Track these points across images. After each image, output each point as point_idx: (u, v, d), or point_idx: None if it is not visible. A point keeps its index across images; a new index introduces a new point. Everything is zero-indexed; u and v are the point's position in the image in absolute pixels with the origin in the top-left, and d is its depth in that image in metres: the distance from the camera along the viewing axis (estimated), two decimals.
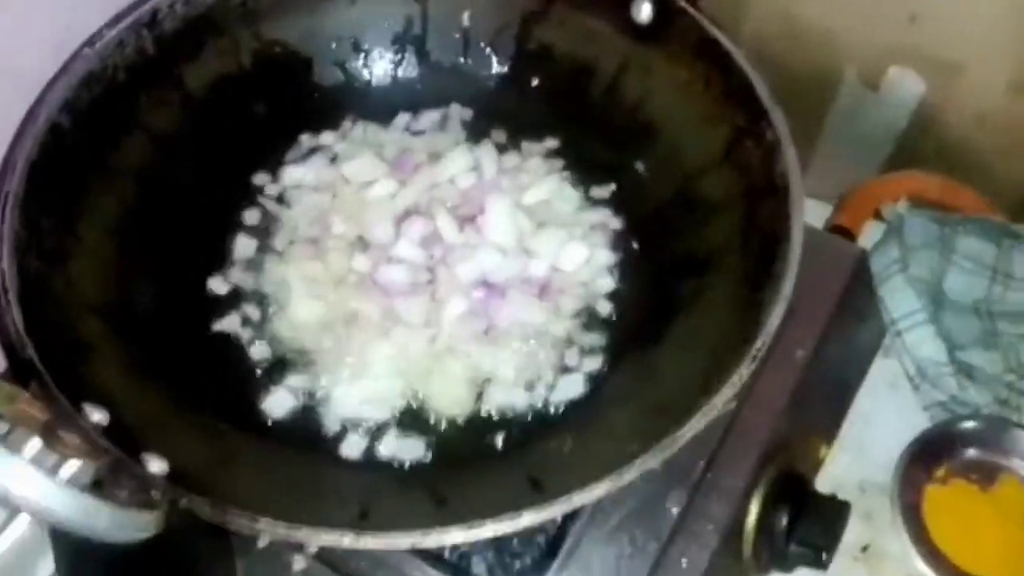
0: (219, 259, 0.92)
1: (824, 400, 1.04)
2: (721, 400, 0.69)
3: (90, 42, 0.85)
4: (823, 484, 1.04)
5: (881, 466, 1.12)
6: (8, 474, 0.57)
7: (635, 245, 0.93)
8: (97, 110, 0.85)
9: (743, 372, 0.70)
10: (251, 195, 0.96)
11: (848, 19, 1.24)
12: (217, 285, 0.91)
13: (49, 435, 0.68)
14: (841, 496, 1.16)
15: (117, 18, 0.88)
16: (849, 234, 1.11)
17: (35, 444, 0.69)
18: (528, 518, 0.66)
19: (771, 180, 0.81)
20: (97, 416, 0.70)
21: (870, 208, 1.15)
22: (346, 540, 0.65)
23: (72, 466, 0.69)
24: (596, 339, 0.87)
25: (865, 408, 1.12)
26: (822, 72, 1.33)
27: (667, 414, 0.74)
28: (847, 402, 1.09)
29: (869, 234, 1.17)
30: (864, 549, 1.06)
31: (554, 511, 0.67)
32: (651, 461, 0.68)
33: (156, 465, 0.68)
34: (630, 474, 0.67)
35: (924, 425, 1.07)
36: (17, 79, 0.87)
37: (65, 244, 0.81)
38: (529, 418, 0.84)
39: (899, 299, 1.09)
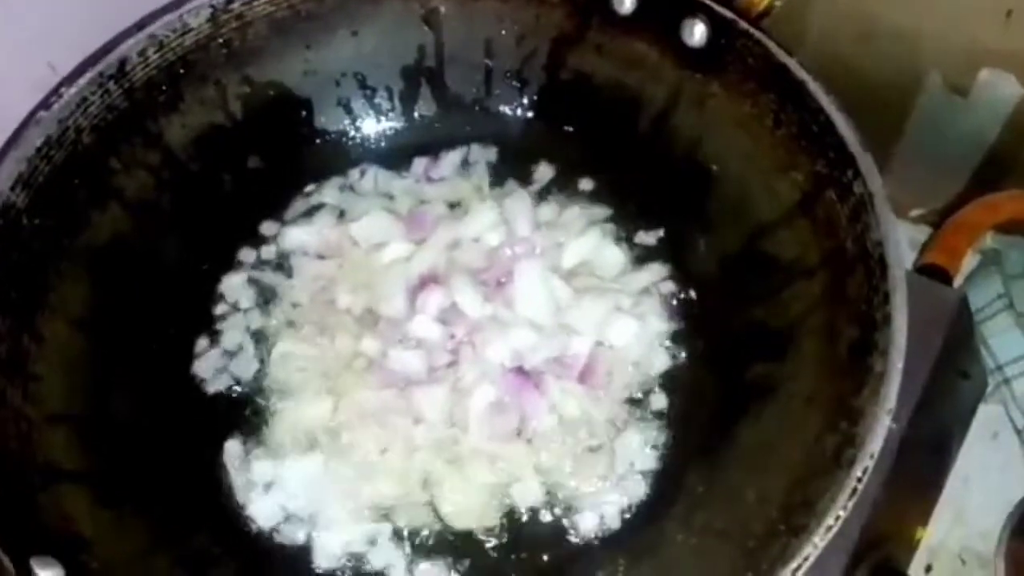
0: (207, 346, 0.79)
1: (921, 476, 0.89)
2: (813, 545, 0.55)
3: (45, 104, 0.73)
4: (918, 556, 0.90)
5: (983, 532, 0.99)
6: None
7: (694, 312, 0.78)
8: (59, 182, 0.73)
9: (839, 511, 0.56)
10: (245, 266, 0.83)
11: (933, 17, 1.08)
12: (205, 380, 0.78)
13: None
14: (938, 568, 1.03)
15: (78, 72, 0.75)
16: (944, 273, 0.95)
17: None
18: None
19: (862, 246, 0.66)
20: (48, 574, 0.58)
21: (967, 241, 0.98)
22: None
23: None
24: (651, 436, 0.74)
25: (964, 463, 0.98)
26: (901, 76, 1.17)
27: (741, 547, 0.61)
28: (945, 472, 0.94)
29: (966, 266, 1.01)
30: None
31: None
32: None
33: None
34: None
35: None
36: None
37: (22, 345, 0.69)
38: (573, 536, 0.70)
39: (1005, 341, 0.96)
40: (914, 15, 1.08)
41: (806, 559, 0.55)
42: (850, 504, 0.56)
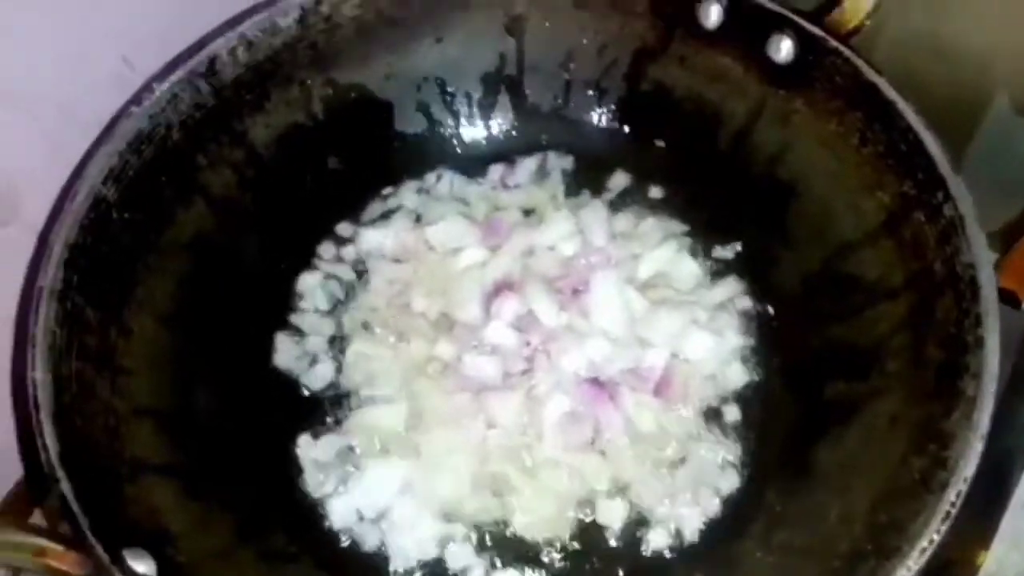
0: (284, 345, 0.80)
1: (985, 500, 0.88)
2: (907, 568, 0.55)
3: (136, 99, 0.74)
4: None
5: None
6: None
7: (773, 328, 0.78)
8: (147, 177, 0.74)
9: (932, 534, 0.55)
10: (322, 266, 0.84)
11: (1004, 40, 1.07)
12: (283, 378, 0.79)
13: None
14: None
15: (169, 68, 0.76)
16: (1013, 297, 0.94)
17: None
18: None
19: (951, 269, 0.66)
20: (142, 568, 0.59)
21: None
22: None
23: None
24: (728, 451, 0.73)
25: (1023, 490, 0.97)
26: (969, 95, 1.15)
27: (824, 566, 0.61)
28: (1007, 497, 0.93)
29: None
30: None
31: None
32: None
33: None
34: None
35: None
36: (72, 115, 0.77)
37: (110, 339, 0.70)
38: (648, 549, 0.70)
39: None
40: (986, 35, 1.07)
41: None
42: (943, 528, 0.56)
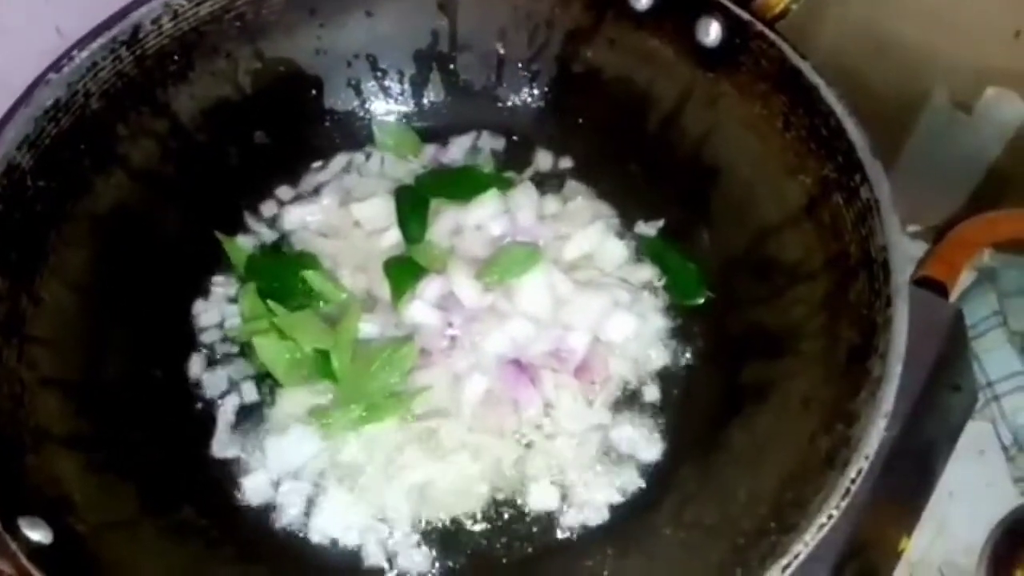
0: (203, 321, 0.79)
1: (908, 486, 0.90)
2: (804, 543, 0.55)
3: (56, 66, 0.72)
4: (899, 568, 0.90)
5: (965, 547, 0.98)
6: None
7: (694, 310, 0.79)
8: (65, 145, 0.73)
9: (831, 510, 0.56)
10: (249, 239, 0.83)
11: (942, 34, 1.08)
12: (198, 358, 0.78)
13: None
14: None
15: (90, 36, 0.74)
16: (940, 287, 0.95)
17: None
18: None
19: (865, 251, 0.66)
20: (37, 535, 0.58)
21: (966, 256, 0.99)
22: None
23: None
24: (645, 432, 0.74)
25: (949, 478, 0.98)
26: (907, 89, 1.16)
27: (730, 543, 0.61)
28: (931, 484, 0.95)
29: (962, 282, 1.02)
30: None
31: None
32: None
33: None
34: None
35: (1016, 501, 0.94)
36: (4, 85, 0.76)
37: (20, 307, 0.69)
38: (560, 526, 0.70)
39: (997, 358, 0.95)
40: (925, 30, 1.08)
41: (797, 556, 0.55)
42: (843, 504, 0.56)
